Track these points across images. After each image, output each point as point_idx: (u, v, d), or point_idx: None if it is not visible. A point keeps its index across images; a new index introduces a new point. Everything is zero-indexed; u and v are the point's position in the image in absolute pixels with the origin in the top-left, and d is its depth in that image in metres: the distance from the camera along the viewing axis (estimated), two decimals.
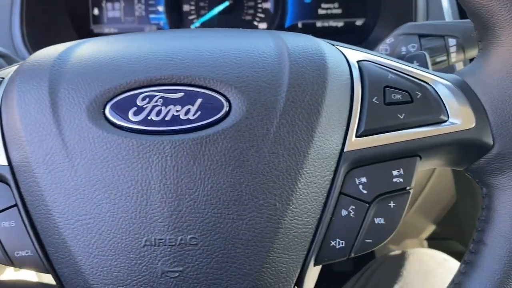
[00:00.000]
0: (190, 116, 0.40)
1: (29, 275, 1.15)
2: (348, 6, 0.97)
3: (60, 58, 0.43)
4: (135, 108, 0.40)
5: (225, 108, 0.40)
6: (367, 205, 0.42)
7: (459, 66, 0.74)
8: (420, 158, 0.43)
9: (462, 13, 0.81)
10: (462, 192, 1.00)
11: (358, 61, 0.44)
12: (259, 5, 0.97)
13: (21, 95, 0.42)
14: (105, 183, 0.40)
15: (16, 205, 0.41)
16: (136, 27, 0.98)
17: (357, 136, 0.42)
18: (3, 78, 0.45)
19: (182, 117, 0.40)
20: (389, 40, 0.58)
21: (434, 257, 0.83)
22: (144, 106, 0.40)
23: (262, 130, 0.40)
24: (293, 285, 0.42)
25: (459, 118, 0.43)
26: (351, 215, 0.42)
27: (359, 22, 0.97)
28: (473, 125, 0.42)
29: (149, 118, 0.40)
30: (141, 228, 0.39)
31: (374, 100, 0.42)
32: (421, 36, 0.57)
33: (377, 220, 0.42)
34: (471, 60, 0.50)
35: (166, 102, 0.40)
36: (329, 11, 0.97)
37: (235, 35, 0.46)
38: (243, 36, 0.46)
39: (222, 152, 0.39)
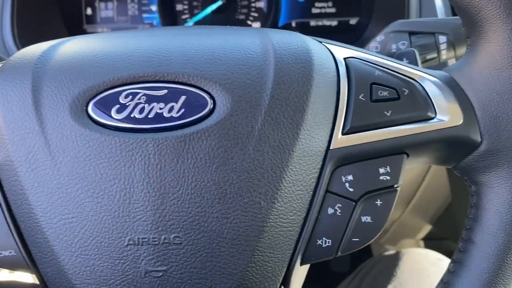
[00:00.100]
0: (174, 113, 0.40)
1: (25, 276, 1.15)
2: (342, 5, 0.96)
3: (43, 56, 0.43)
4: (118, 106, 0.40)
5: (209, 106, 0.40)
6: (354, 203, 0.41)
7: (451, 63, 0.74)
8: (408, 155, 0.42)
9: (455, 11, 0.80)
10: (456, 191, 1.00)
11: (345, 58, 0.44)
12: (253, 4, 0.97)
13: (4, 93, 0.41)
14: (88, 181, 0.39)
15: None
16: (129, 26, 0.98)
17: (343, 134, 0.41)
18: None
19: (166, 114, 0.40)
20: (379, 37, 0.58)
21: (428, 256, 0.83)
22: (127, 104, 0.40)
23: (246, 127, 0.39)
24: (279, 284, 0.41)
25: (446, 115, 0.42)
26: (338, 213, 0.41)
27: (353, 21, 0.97)
28: (461, 122, 0.42)
29: (132, 115, 0.40)
30: (124, 227, 0.39)
31: (360, 97, 0.42)
32: (411, 33, 0.56)
33: (364, 219, 0.41)
34: None
35: (150, 99, 0.40)
36: (323, 10, 0.96)
37: (221, 32, 0.46)
38: (229, 33, 0.45)
39: (206, 150, 0.39)
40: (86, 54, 0.42)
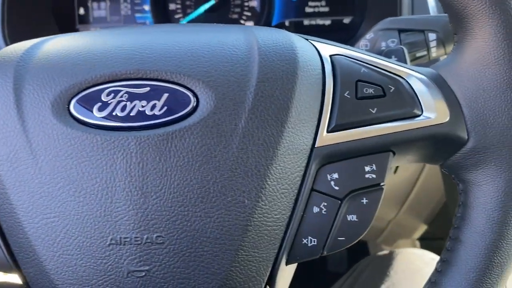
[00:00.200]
0: (156, 111, 0.39)
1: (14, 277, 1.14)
2: (336, 4, 0.96)
3: (26, 54, 0.43)
4: (99, 104, 0.40)
5: (192, 103, 0.39)
6: (339, 201, 0.41)
7: None
8: (394, 153, 0.42)
9: (442, 8, 0.79)
10: (450, 191, 0.99)
11: (330, 56, 0.43)
12: (246, 3, 0.97)
13: None
14: (70, 180, 0.39)
15: None
16: (122, 26, 0.98)
17: (328, 131, 0.41)
18: None
19: (148, 112, 0.39)
20: (369, 35, 0.57)
21: (421, 256, 0.82)
22: (109, 102, 0.39)
23: (230, 125, 0.39)
24: (264, 284, 0.41)
25: (433, 112, 0.42)
26: (323, 212, 0.41)
27: (346, 20, 0.96)
28: (447, 119, 0.42)
29: (113, 113, 0.39)
30: (106, 227, 0.38)
31: (345, 94, 0.41)
32: (401, 31, 0.56)
33: (349, 217, 0.41)
34: None
35: (132, 97, 0.39)
36: (316, 9, 0.96)
37: (206, 29, 0.45)
38: (214, 30, 0.45)
39: (189, 148, 0.38)
40: (69, 52, 0.42)
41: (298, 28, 0.97)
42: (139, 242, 0.38)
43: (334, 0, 0.96)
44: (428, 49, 0.56)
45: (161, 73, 0.40)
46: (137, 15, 0.98)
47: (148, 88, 0.40)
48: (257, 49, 0.41)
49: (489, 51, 0.40)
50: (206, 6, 0.96)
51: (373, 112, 0.41)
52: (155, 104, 0.39)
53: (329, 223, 0.41)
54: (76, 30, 0.98)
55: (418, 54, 0.56)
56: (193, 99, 0.39)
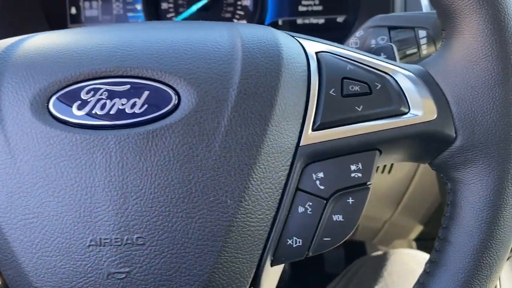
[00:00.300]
0: (136, 109, 0.38)
1: None
2: (329, 3, 0.95)
3: (6, 51, 0.42)
4: (79, 102, 0.39)
5: (174, 101, 0.38)
6: (325, 201, 0.40)
7: None
8: (380, 152, 0.41)
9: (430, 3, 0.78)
10: (445, 191, 0.98)
11: (316, 52, 0.42)
12: (239, 2, 0.96)
13: None
14: (49, 180, 0.38)
15: None
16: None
17: (313, 130, 0.40)
18: None
19: (128, 110, 0.38)
20: (358, 33, 0.56)
21: (415, 257, 0.82)
22: (88, 100, 0.39)
23: (212, 123, 0.38)
24: (248, 286, 0.40)
25: (420, 110, 0.41)
26: (308, 212, 0.40)
27: (340, 19, 0.96)
28: (435, 116, 0.41)
29: (93, 112, 0.38)
30: (86, 228, 0.38)
31: (331, 92, 0.40)
32: (391, 28, 0.55)
33: (335, 217, 0.40)
34: None
35: (111, 95, 0.39)
36: (309, 8, 0.95)
37: (190, 26, 0.44)
38: (197, 27, 0.44)
39: (170, 147, 0.38)
40: (49, 50, 0.41)
41: (291, 27, 0.96)
42: (119, 243, 0.38)
43: None
44: (419, 47, 0.55)
45: (142, 71, 0.39)
46: (129, 14, 0.97)
47: (128, 86, 0.39)
48: (241, 45, 0.41)
49: (477, 47, 0.40)
50: (199, 5, 0.95)
51: (359, 110, 0.40)
52: (135, 102, 0.38)
53: (314, 223, 0.40)
54: None
55: (408, 52, 0.55)
56: (174, 97, 0.39)
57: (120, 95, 0.39)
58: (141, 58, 0.39)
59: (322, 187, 0.40)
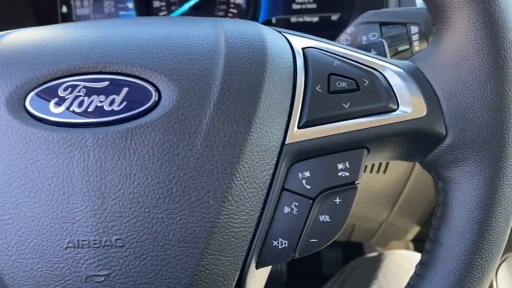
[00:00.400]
0: (115, 106, 0.37)
1: None
2: (323, 1, 0.94)
3: None
4: (56, 99, 0.37)
5: (154, 98, 0.37)
6: (311, 201, 0.39)
7: None
8: (368, 150, 0.40)
9: None
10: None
11: (303, 48, 0.41)
12: (231, 0, 0.94)
13: None
14: (25, 180, 0.37)
15: None
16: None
17: (299, 127, 0.39)
18: None
19: (106, 108, 0.37)
20: (349, 29, 0.55)
21: (410, 258, 0.80)
22: (66, 97, 0.37)
23: (194, 121, 0.37)
24: None
25: (409, 107, 0.40)
26: (294, 212, 0.39)
27: (334, 17, 0.94)
28: (424, 113, 0.39)
29: (70, 109, 0.37)
30: (63, 229, 0.36)
31: (317, 88, 0.39)
32: (382, 24, 0.54)
33: (322, 218, 0.39)
34: None
35: (90, 92, 0.37)
36: (303, 6, 0.94)
37: (173, 22, 0.43)
38: (181, 22, 0.43)
39: (149, 145, 0.36)
40: (27, 46, 0.40)
41: (285, 25, 0.95)
42: (98, 245, 0.36)
43: None
44: (411, 43, 0.54)
45: (121, 66, 0.38)
46: (121, 12, 0.96)
47: (107, 82, 0.38)
48: (224, 41, 0.39)
49: (467, 41, 0.38)
50: (191, 3, 0.94)
51: (346, 106, 0.39)
52: (114, 99, 0.37)
53: (300, 224, 0.39)
54: None
55: (400, 48, 0.54)
56: (154, 94, 0.37)
57: (98, 92, 0.37)
58: (120, 53, 0.38)
59: (308, 187, 0.39)
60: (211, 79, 0.38)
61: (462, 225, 0.39)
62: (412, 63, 0.42)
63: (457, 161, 0.39)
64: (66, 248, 0.36)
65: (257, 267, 0.39)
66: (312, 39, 0.43)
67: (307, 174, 0.39)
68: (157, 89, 0.37)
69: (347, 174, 0.39)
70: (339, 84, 0.39)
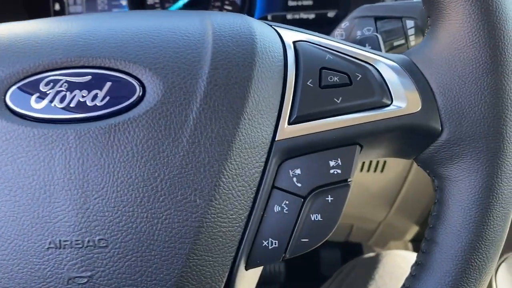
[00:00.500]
0: (98, 102, 0.36)
1: None
2: None
3: None
4: (37, 94, 0.36)
5: (138, 93, 0.36)
6: (302, 199, 0.37)
7: None
8: (361, 147, 0.38)
9: None
10: None
11: (294, 42, 0.40)
12: None
13: None
14: (5, 178, 0.35)
15: None
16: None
17: (289, 123, 0.37)
18: None
19: (89, 103, 0.36)
20: (344, 24, 0.54)
21: (407, 258, 0.79)
22: (47, 92, 0.36)
23: (180, 116, 0.35)
24: None
25: (403, 102, 0.38)
26: (285, 211, 0.37)
27: (331, 14, 0.93)
28: (419, 108, 0.38)
29: (52, 105, 0.36)
30: (44, 229, 0.35)
31: (308, 83, 0.38)
32: (377, 18, 0.52)
33: (313, 217, 0.37)
34: None
35: (72, 86, 0.36)
36: (299, 3, 0.93)
37: (160, 15, 0.42)
38: (168, 15, 0.41)
39: (134, 142, 0.35)
40: (8, 40, 0.39)
41: (281, 23, 0.93)
42: (80, 245, 0.35)
43: None
44: (406, 38, 0.52)
45: (104, 60, 0.36)
46: (114, 10, 0.95)
47: (89, 77, 0.36)
48: (212, 33, 0.38)
49: (463, 33, 0.37)
50: (185, 0, 0.93)
51: (338, 101, 0.38)
52: (96, 94, 0.36)
53: (291, 223, 0.37)
54: None
55: (395, 43, 0.52)
56: (138, 88, 0.36)
57: (80, 86, 0.36)
58: (104, 47, 0.37)
59: (299, 185, 0.37)
60: (198, 73, 0.36)
61: (459, 224, 0.37)
62: (407, 56, 0.41)
63: (453, 158, 0.38)
64: (48, 248, 0.35)
65: (246, 268, 0.38)
66: (304, 33, 0.42)
67: (298, 171, 0.38)
68: (142, 84, 0.36)
69: (339, 171, 0.38)
70: (331, 78, 0.38)
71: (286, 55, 0.39)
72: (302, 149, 0.37)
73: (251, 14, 0.93)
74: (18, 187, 0.35)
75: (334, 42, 0.40)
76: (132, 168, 0.35)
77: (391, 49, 0.53)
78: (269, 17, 0.94)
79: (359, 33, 0.53)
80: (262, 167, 0.37)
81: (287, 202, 0.37)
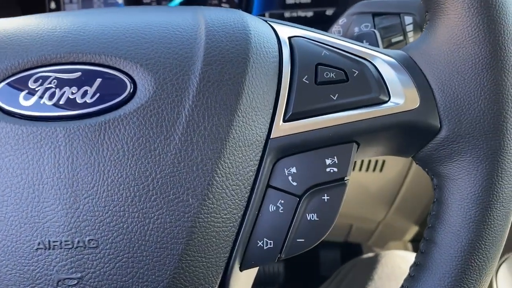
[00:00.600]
0: (88, 99, 0.35)
1: None
2: None
3: None
4: (26, 91, 0.35)
5: (129, 89, 0.35)
6: (298, 198, 0.36)
7: None
8: (358, 144, 0.37)
9: None
10: None
11: (290, 37, 0.39)
12: None
13: None
14: None
15: None
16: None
17: (285, 121, 0.36)
18: None
19: (78, 100, 0.35)
20: (341, 20, 0.53)
21: (406, 259, 0.78)
22: (36, 89, 0.35)
23: (172, 113, 0.35)
24: None
25: (401, 98, 0.37)
26: (280, 210, 0.36)
27: (329, 12, 0.92)
28: (417, 105, 0.37)
29: (41, 102, 0.35)
30: (34, 229, 0.34)
31: (304, 79, 0.37)
32: (375, 14, 0.52)
33: (309, 216, 0.37)
34: None
35: (61, 83, 0.35)
36: (297, 1, 0.92)
37: (152, 10, 0.41)
38: (161, 11, 0.41)
39: (124, 140, 0.34)
40: None
41: None
42: (70, 246, 0.34)
43: None
44: (405, 34, 0.52)
45: (94, 56, 0.36)
46: None
47: (79, 73, 0.35)
48: (205, 29, 0.37)
49: (462, 28, 0.36)
50: None
51: (334, 98, 0.37)
52: (86, 90, 0.35)
53: (286, 223, 0.36)
54: None
55: (394, 40, 0.52)
56: (129, 85, 0.35)
57: (70, 83, 0.35)
58: (94, 43, 0.36)
59: (294, 183, 0.36)
60: (190, 69, 0.35)
61: (458, 224, 0.36)
62: (405, 52, 0.40)
63: (453, 156, 0.37)
64: (37, 249, 0.34)
65: (241, 269, 0.37)
66: (300, 28, 0.41)
67: (293, 170, 0.37)
68: (132, 80, 0.35)
69: (335, 169, 0.37)
70: (327, 74, 0.37)
71: (281, 50, 0.38)
72: (297, 147, 0.37)
73: (248, 11, 0.92)
74: (6, 186, 0.34)
75: (330, 37, 0.40)
76: (123, 167, 0.34)
77: (389, 45, 0.52)
78: (266, 15, 0.93)
79: (356, 29, 0.52)
80: (257, 166, 0.36)
81: (282, 201, 0.36)
